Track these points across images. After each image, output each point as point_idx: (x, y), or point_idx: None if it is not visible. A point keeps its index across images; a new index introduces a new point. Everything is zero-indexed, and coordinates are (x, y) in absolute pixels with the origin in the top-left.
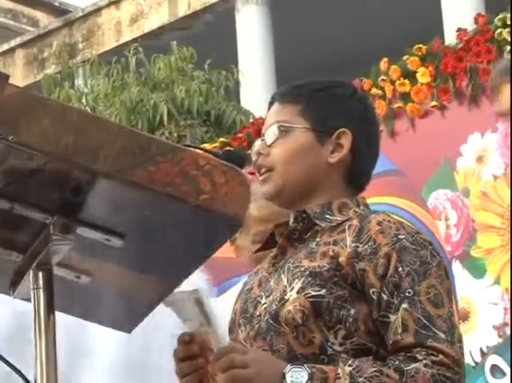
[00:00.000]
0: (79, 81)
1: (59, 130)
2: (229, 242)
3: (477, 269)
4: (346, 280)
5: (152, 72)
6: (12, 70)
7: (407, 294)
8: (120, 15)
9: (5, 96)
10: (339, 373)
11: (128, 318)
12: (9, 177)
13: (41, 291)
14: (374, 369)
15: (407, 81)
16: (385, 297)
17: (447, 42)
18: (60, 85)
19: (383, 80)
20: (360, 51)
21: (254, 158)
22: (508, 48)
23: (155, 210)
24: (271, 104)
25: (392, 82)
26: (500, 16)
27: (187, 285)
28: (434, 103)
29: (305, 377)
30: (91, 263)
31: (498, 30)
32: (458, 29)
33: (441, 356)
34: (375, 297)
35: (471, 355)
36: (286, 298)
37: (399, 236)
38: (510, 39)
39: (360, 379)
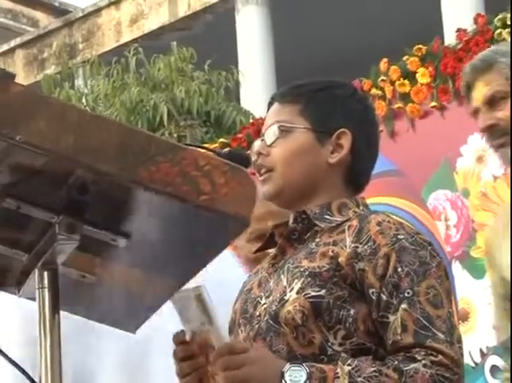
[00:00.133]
0: (79, 82)
1: (64, 130)
2: None
3: (477, 269)
4: (346, 280)
5: (152, 72)
6: (12, 70)
7: (406, 294)
8: (120, 15)
9: (11, 95)
10: (338, 373)
11: (132, 318)
12: (16, 176)
13: (46, 291)
14: (373, 369)
15: (406, 82)
16: (384, 297)
17: (446, 43)
18: (60, 86)
19: (383, 80)
20: (360, 51)
21: (253, 158)
22: None
23: (160, 210)
24: (271, 104)
25: (392, 82)
26: (500, 16)
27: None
28: (434, 103)
29: (304, 377)
30: (96, 263)
31: (498, 31)
32: (458, 30)
33: (440, 356)
34: (374, 297)
35: (471, 355)
36: (286, 298)
37: (399, 236)
38: (509, 39)
39: (359, 379)
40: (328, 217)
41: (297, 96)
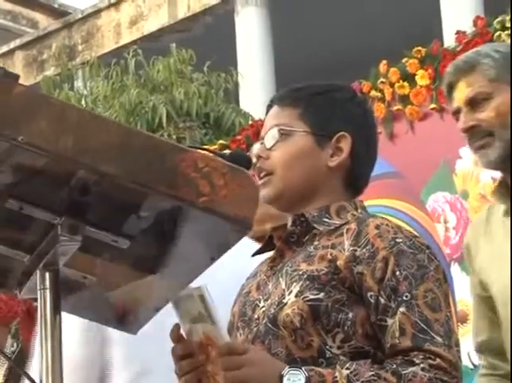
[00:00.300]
0: (78, 83)
1: (65, 130)
2: None
3: None
4: (344, 284)
5: (151, 74)
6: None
7: (404, 297)
8: (120, 17)
9: (13, 95)
10: (336, 377)
11: (134, 320)
12: (18, 177)
13: (48, 292)
14: (371, 373)
15: (406, 84)
16: (383, 300)
17: (446, 45)
18: (59, 87)
19: (382, 82)
20: (360, 53)
21: (253, 161)
22: None
23: (160, 211)
24: (270, 107)
25: (391, 84)
26: (499, 18)
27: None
28: (433, 105)
29: (303, 381)
30: (97, 264)
31: (497, 33)
32: (458, 32)
33: (438, 360)
34: (372, 300)
35: (469, 357)
36: (285, 301)
37: (397, 240)
38: (509, 41)
39: (358, 382)
40: (326, 220)
41: (296, 100)
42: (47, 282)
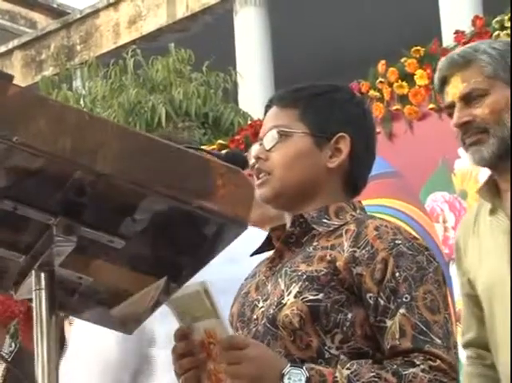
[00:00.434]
0: (77, 83)
1: (61, 131)
2: None
3: None
4: (343, 285)
5: (150, 74)
6: (10, 72)
7: (404, 299)
8: (118, 17)
9: (9, 96)
10: (337, 377)
11: (129, 320)
12: (13, 178)
13: (43, 292)
14: (372, 374)
15: (405, 83)
16: (382, 302)
17: (444, 44)
18: (58, 87)
19: (381, 82)
20: (359, 53)
21: (252, 162)
22: None
23: (156, 211)
24: (268, 107)
25: (390, 84)
26: (498, 18)
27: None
28: (432, 105)
29: (303, 381)
30: (93, 264)
31: (496, 32)
32: (456, 32)
33: (438, 361)
34: (371, 301)
35: None
36: (284, 302)
37: (396, 241)
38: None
39: None
40: (325, 221)
41: (295, 101)
42: (42, 283)
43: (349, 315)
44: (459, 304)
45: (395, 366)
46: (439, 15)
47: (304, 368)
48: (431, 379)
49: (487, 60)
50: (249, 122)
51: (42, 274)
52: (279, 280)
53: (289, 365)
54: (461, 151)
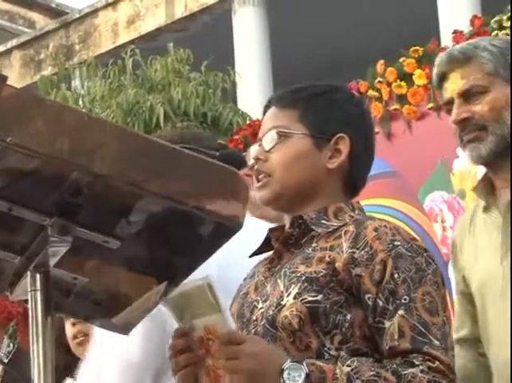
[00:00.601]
0: (75, 83)
1: (57, 132)
2: None
3: None
4: (342, 286)
5: (149, 74)
6: (8, 72)
7: (403, 300)
8: (117, 17)
9: (3, 97)
10: (337, 373)
11: (125, 320)
12: (7, 178)
13: (39, 293)
14: (372, 373)
15: (403, 83)
16: (381, 303)
17: (443, 44)
18: (56, 87)
19: (379, 82)
20: (357, 53)
21: (250, 162)
22: None
23: (152, 212)
24: (267, 107)
25: (389, 84)
26: (496, 18)
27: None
28: (430, 105)
29: (303, 376)
30: (88, 264)
31: (495, 32)
32: (455, 31)
33: (437, 362)
34: (370, 302)
35: None
36: (283, 303)
37: (395, 243)
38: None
39: (357, 381)
40: (324, 222)
41: (294, 102)
42: (38, 284)
43: (348, 316)
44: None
45: (394, 365)
46: (437, 15)
47: (304, 363)
48: (429, 380)
49: (487, 57)
50: (247, 122)
51: (37, 275)
52: (278, 281)
53: (289, 360)
54: (460, 150)
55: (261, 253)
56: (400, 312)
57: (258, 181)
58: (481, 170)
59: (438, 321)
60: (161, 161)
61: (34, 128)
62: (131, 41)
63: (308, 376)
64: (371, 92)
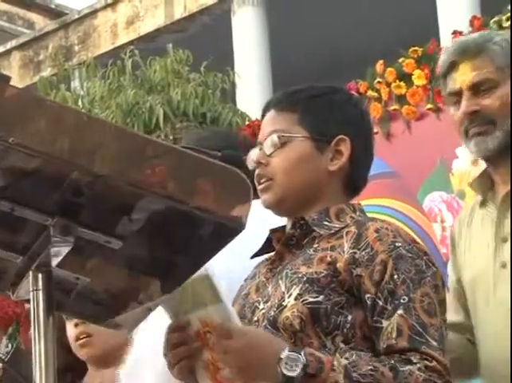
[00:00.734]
0: (75, 84)
1: (59, 132)
2: None
3: None
4: (343, 286)
5: (148, 74)
6: (8, 72)
7: (402, 300)
8: (116, 17)
9: (6, 97)
10: (334, 365)
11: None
12: (9, 178)
13: (41, 293)
14: (370, 367)
15: (402, 84)
16: (380, 303)
17: (442, 45)
18: (56, 88)
19: (379, 82)
20: (357, 53)
21: (251, 166)
22: None
23: (153, 211)
24: (266, 111)
25: (388, 84)
26: (495, 18)
27: None
28: (429, 105)
29: (300, 366)
30: (90, 264)
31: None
32: (454, 32)
33: (434, 362)
34: (369, 302)
35: None
36: (284, 304)
37: (396, 244)
38: None
39: (354, 374)
40: (326, 223)
41: (293, 104)
42: (40, 284)
43: (349, 317)
44: None
45: (392, 361)
46: (436, 15)
47: (302, 353)
48: (426, 378)
49: (499, 51)
50: (247, 122)
51: (40, 275)
52: (280, 282)
53: (287, 349)
54: (459, 150)
55: (262, 254)
56: (399, 312)
57: (260, 185)
58: (480, 171)
59: (436, 323)
60: (161, 161)
61: (35, 128)
62: (131, 42)
63: (306, 366)
64: (370, 93)
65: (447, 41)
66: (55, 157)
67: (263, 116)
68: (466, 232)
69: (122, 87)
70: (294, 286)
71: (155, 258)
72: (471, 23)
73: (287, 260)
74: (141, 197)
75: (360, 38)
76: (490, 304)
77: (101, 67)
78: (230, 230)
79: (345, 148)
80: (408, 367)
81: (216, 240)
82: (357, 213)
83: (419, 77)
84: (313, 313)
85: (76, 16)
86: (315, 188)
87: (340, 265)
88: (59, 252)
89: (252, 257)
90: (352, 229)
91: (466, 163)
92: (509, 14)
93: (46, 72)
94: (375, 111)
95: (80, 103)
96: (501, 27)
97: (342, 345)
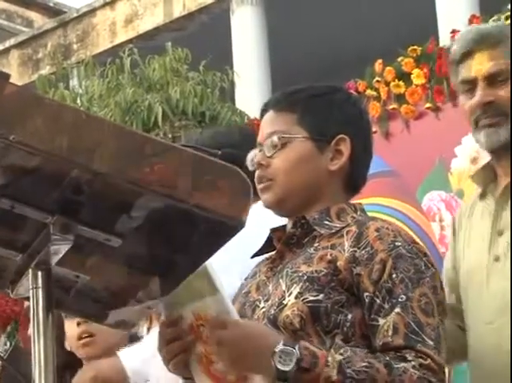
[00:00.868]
0: (74, 82)
1: (58, 130)
2: None
3: None
4: (343, 285)
5: (147, 73)
6: (6, 71)
7: (399, 299)
8: (115, 16)
9: (5, 95)
10: (329, 361)
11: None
12: (10, 176)
13: (40, 291)
14: (364, 364)
15: (401, 83)
16: (377, 301)
17: (441, 44)
18: (54, 86)
19: (377, 81)
20: (355, 52)
21: (251, 167)
22: None
23: (152, 210)
24: (264, 111)
25: (387, 83)
26: (494, 17)
27: None
28: (428, 104)
29: (294, 360)
30: (89, 262)
31: None
32: (453, 31)
33: (429, 360)
34: (367, 300)
35: None
36: (285, 302)
37: (396, 243)
38: None
39: (348, 370)
40: (327, 223)
41: (292, 104)
42: (39, 281)
43: (349, 316)
44: None
45: (387, 358)
46: (435, 14)
47: (296, 347)
48: (420, 376)
49: (508, 45)
50: (245, 121)
51: (39, 273)
52: (280, 281)
53: (281, 342)
54: (458, 150)
55: (263, 254)
56: (396, 310)
57: (261, 184)
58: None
59: (433, 323)
60: (160, 159)
61: (34, 127)
62: (129, 41)
63: (299, 360)
64: (369, 92)
65: (446, 40)
66: (54, 155)
67: (261, 117)
68: (466, 223)
69: (121, 85)
70: (295, 285)
71: (154, 256)
72: (470, 22)
73: (288, 259)
74: (140, 195)
75: (359, 37)
76: (483, 297)
77: (100, 65)
78: (229, 228)
79: (345, 148)
80: (403, 364)
81: (215, 238)
82: (358, 213)
83: (418, 76)
84: (313, 312)
85: (75, 14)
86: (315, 188)
87: (340, 263)
88: (59, 250)
89: (253, 256)
90: (353, 228)
91: (465, 162)
92: (508, 13)
93: (45, 70)
94: (374, 110)
95: (78, 101)
96: None
97: (337, 341)
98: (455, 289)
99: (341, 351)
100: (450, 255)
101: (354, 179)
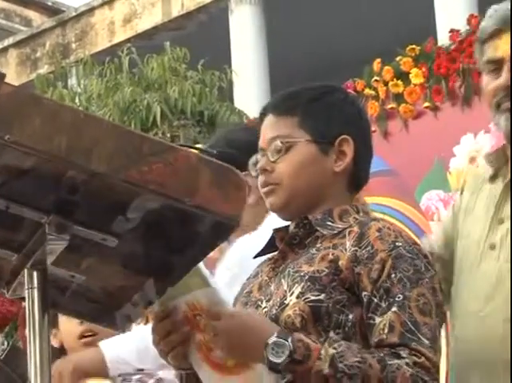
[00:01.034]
0: (72, 81)
1: (55, 129)
2: None
3: None
4: (344, 285)
5: (145, 72)
6: (5, 70)
7: (397, 298)
8: (113, 15)
9: (1, 95)
10: (321, 354)
11: (123, 318)
12: (5, 176)
13: (36, 291)
14: (357, 359)
15: (400, 82)
16: (375, 300)
17: (439, 43)
18: (53, 85)
19: (376, 80)
20: (354, 52)
21: (255, 173)
22: None
23: (149, 209)
24: (264, 115)
25: (385, 83)
26: None
27: None
28: (427, 104)
29: (286, 353)
30: (85, 262)
31: None
32: (451, 30)
33: (423, 358)
34: (365, 299)
35: None
36: (286, 302)
37: (397, 243)
38: None
39: (340, 365)
40: (329, 224)
41: (292, 108)
42: (35, 281)
43: (350, 316)
44: None
45: (381, 354)
46: (434, 14)
47: (289, 340)
48: (413, 374)
49: None
50: (244, 120)
51: (35, 273)
52: (282, 281)
53: (275, 334)
54: (456, 149)
55: (265, 254)
56: (393, 309)
57: (265, 187)
58: (478, 168)
59: (429, 323)
60: (158, 159)
61: (32, 126)
62: (128, 40)
63: (292, 352)
64: (367, 91)
65: (444, 39)
66: (52, 155)
67: (261, 120)
68: (470, 199)
69: (119, 85)
70: (296, 285)
71: (150, 256)
72: (469, 22)
73: (290, 259)
74: (137, 195)
75: (358, 37)
76: (472, 273)
77: (98, 65)
78: (226, 227)
79: (348, 148)
80: (396, 361)
81: (212, 238)
82: (360, 214)
83: (416, 76)
84: (314, 312)
85: (74, 13)
86: (320, 190)
87: (342, 263)
88: (54, 250)
89: (255, 256)
90: (355, 228)
91: (464, 161)
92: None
93: (43, 69)
94: (372, 109)
95: (77, 101)
96: None
97: (332, 335)
98: (450, 242)
99: (335, 345)
100: (448, 221)
101: (357, 178)
